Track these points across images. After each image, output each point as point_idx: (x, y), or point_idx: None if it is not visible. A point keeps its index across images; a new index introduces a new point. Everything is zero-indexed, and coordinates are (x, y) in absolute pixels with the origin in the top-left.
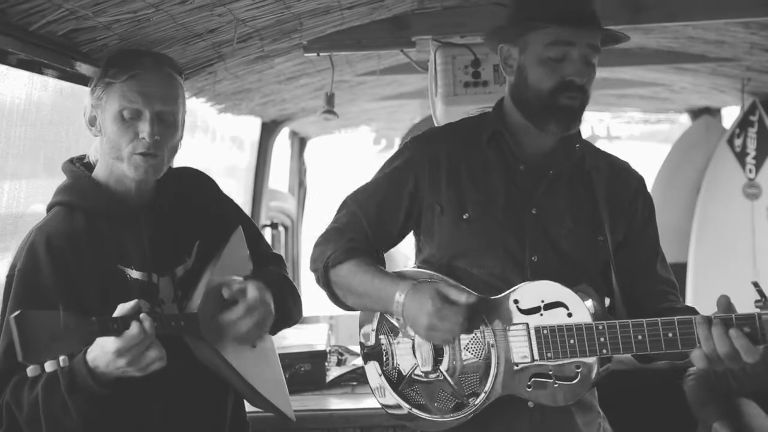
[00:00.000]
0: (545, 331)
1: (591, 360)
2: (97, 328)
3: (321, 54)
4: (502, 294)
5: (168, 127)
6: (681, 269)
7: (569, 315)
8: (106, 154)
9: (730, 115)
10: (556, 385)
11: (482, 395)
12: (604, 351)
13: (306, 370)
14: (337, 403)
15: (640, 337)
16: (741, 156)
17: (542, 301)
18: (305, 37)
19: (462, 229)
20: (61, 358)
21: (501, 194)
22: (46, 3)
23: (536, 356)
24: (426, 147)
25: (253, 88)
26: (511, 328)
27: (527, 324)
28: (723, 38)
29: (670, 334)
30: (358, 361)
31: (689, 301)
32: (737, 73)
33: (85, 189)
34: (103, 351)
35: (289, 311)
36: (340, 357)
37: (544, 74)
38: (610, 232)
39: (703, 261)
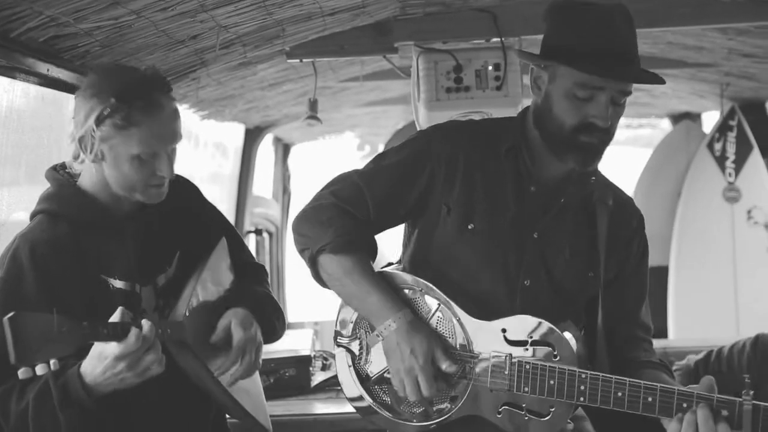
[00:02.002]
0: (527, 366)
1: (567, 403)
2: (89, 332)
3: (304, 60)
4: (493, 320)
5: (174, 155)
6: (662, 272)
7: (555, 356)
8: (110, 182)
9: (710, 120)
10: (526, 418)
11: (452, 410)
12: (582, 399)
13: (291, 375)
14: (322, 407)
15: (620, 394)
16: (721, 160)
17: (530, 337)
18: (288, 43)
19: (464, 238)
20: (52, 361)
21: (510, 211)
22: (27, 9)
23: (513, 387)
24: (446, 142)
25: (236, 94)
26: (493, 354)
27: (510, 355)
28: (701, 44)
29: (650, 399)
30: None
31: (670, 305)
32: (716, 79)
33: (69, 197)
34: (100, 358)
35: (273, 330)
36: (324, 362)
37: (568, 109)
38: (604, 269)
39: (684, 264)
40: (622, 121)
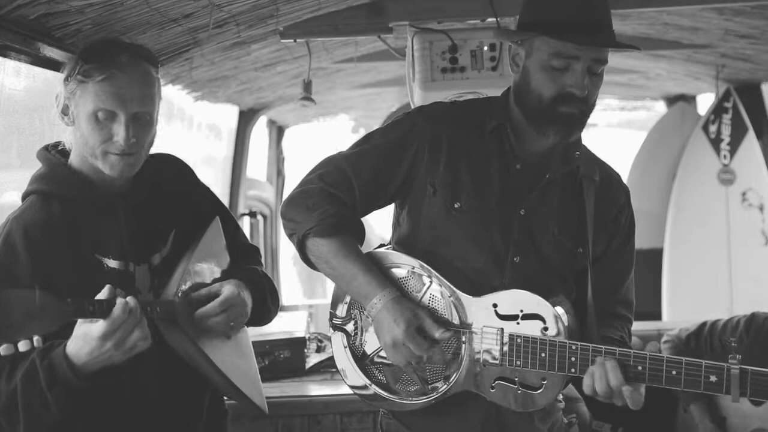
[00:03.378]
0: (519, 340)
1: (559, 376)
2: (72, 309)
3: (298, 40)
4: (484, 296)
5: (143, 126)
6: (657, 255)
7: (545, 329)
8: (79, 147)
9: (705, 102)
10: (519, 391)
11: (444, 386)
12: (573, 370)
13: (285, 357)
14: (317, 389)
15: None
16: (715, 142)
17: (521, 311)
18: (281, 22)
19: (451, 217)
20: (35, 338)
21: (495, 189)
22: None
23: (505, 361)
24: (431, 123)
25: (229, 75)
26: (485, 329)
27: (502, 329)
28: (697, 25)
29: (640, 368)
30: None
31: (665, 287)
32: (712, 60)
33: (61, 177)
34: (86, 338)
35: (267, 308)
36: (319, 344)
37: (545, 81)
38: (592, 245)
39: (678, 246)
40: (617, 103)
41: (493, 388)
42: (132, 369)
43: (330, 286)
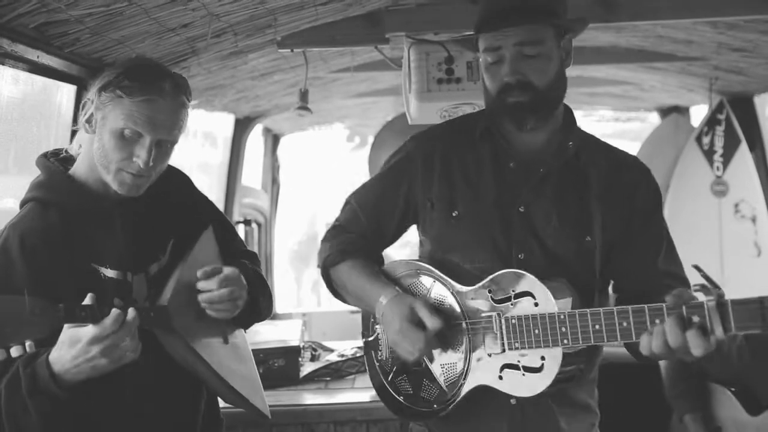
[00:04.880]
0: (513, 321)
1: (555, 351)
2: (64, 315)
3: (295, 50)
4: (478, 284)
5: (164, 153)
6: None
7: (536, 305)
8: (94, 155)
9: (699, 114)
10: (523, 375)
11: (460, 384)
12: (565, 341)
13: (280, 365)
14: (311, 398)
15: (597, 326)
16: (709, 154)
17: (512, 291)
18: (279, 32)
19: (451, 226)
20: (28, 343)
21: (491, 191)
22: None
23: (506, 346)
24: (421, 145)
25: (226, 84)
26: (483, 317)
27: (498, 314)
28: (691, 38)
29: (625, 324)
30: (332, 357)
31: None
32: (705, 73)
33: (59, 185)
34: (72, 342)
35: (258, 304)
36: (313, 353)
37: (489, 78)
38: (602, 231)
39: None
40: (611, 114)
41: (500, 377)
42: (128, 377)
43: (324, 294)
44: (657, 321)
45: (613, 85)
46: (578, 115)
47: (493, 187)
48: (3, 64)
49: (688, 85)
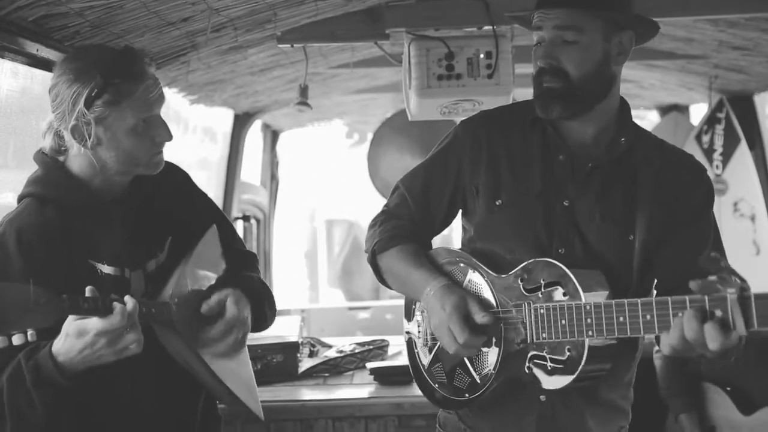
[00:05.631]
0: (542, 311)
1: (581, 342)
2: (68, 305)
3: (295, 45)
4: (511, 272)
5: None
6: None
7: (564, 294)
8: (110, 162)
9: (698, 112)
10: (550, 367)
11: (491, 374)
12: (590, 333)
13: (278, 361)
14: (309, 394)
15: (621, 318)
16: (708, 152)
17: (542, 281)
18: (279, 27)
19: (494, 214)
20: (30, 332)
21: (536, 182)
22: None
23: (534, 336)
24: (470, 129)
25: (226, 79)
26: (513, 306)
27: (527, 303)
28: (691, 35)
29: (648, 317)
30: (330, 353)
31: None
32: (705, 71)
33: (57, 181)
34: (79, 334)
35: (265, 317)
36: (312, 348)
37: (533, 60)
38: (648, 229)
39: None
40: None
41: (528, 368)
42: (128, 372)
43: (323, 290)
44: (680, 314)
45: None
46: None
47: (539, 178)
48: (2, 58)
49: (687, 83)
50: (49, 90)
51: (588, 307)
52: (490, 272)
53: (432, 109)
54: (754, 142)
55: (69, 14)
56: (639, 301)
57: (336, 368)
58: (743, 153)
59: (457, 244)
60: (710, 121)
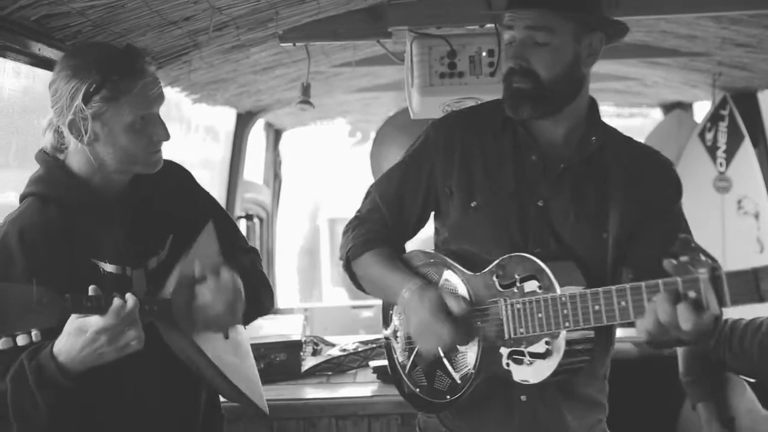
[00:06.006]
0: (518, 306)
1: (559, 335)
2: (70, 304)
3: (297, 44)
4: (486, 270)
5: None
6: None
7: (540, 288)
8: (108, 159)
9: (702, 110)
10: (528, 362)
11: (471, 373)
12: (567, 324)
13: (281, 359)
14: (313, 392)
15: (597, 307)
16: (712, 150)
17: (517, 276)
18: (281, 26)
19: (469, 216)
20: (34, 332)
21: (510, 183)
22: None
23: (511, 331)
24: (442, 130)
25: (228, 78)
26: (489, 303)
27: (503, 299)
28: (695, 33)
29: (623, 303)
30: (333, 351)
31: None
32: (708, 68)
33: (58, 180)
34: (79, 332)
35: (260, 300)
36: (315, 347)
37: (503, 59)
38: (620, 225)
39: None
40: (613, 110)
41: (508, 364)
42: (131, 371)
43: (326, 289)
44: (653, 298)
45: (616, 80)
46: None
47: (513, 179)
48: (4, 57)
49: (691, 80)
50: (48, 86)
51: (564, 299)
52: (465, 271)
53: (434, 107)
54: (758, 140)
55: (71, 14)
56: (613, 288)
57: (339, 367)
58: (747, 150)
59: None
60: (714, 118)
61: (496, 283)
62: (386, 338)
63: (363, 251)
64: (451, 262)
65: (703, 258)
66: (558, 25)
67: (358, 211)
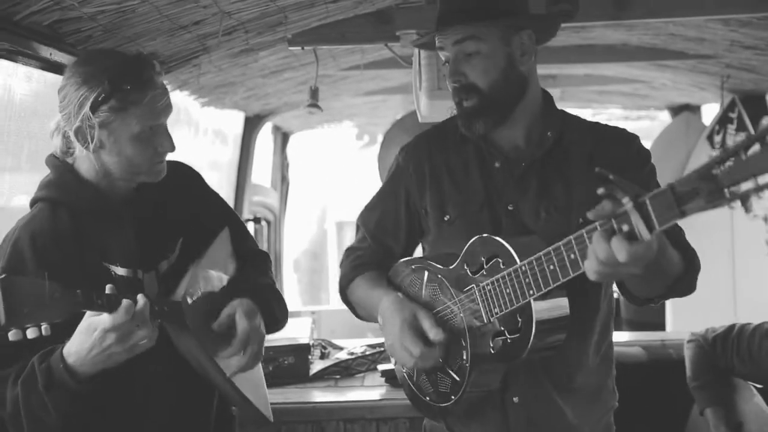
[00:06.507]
0: (488, 287)
1: (528, 306)
2: (82, 300)
3: (305, 48)
4: (456, 262)
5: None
6: None
7: (503, 265)
8: (112, 167)
9: (710, 112)
10: (509, 341)
11: (466, 367)
12: (531, 292)
13: (289, 363)
14: (321, 396)
15: (551, 267)
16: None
17: (482, 259)
18: (290, 30)
19: (444, 230)
20: (44, 326)
21: (479, 193)
22: None
23: (489, 314)
24: (410, 156)
25: (237, 81)
26: (464, 293)
27: (475, 284)
28: (703, 35)
29: (572, 255)
30: (342, 355)
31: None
32: (717, 71)
33: (69, 185)
34: (88, 331)
35: (276, 321)
36: (323, 350)
37: (447, 79)
38: (588, 202)
39: None
40: (621, 112)
41: (493, 348)
42: (142, 372)
43: (332, 292)
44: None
45: (624, 83)
46: (588, 113)
47: (481, 188)
48: (16, 62)
49: (699, 83)
50: (58, 91)
51: (524, 268)
52: (440, 267)
53: (442, 110)
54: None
55: (82, 19)
56: (560, 243)
57: (347, 370)
58: None
59: None
60: (722, 120)
61: (468, 271)
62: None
63: (353, 277)
64: (428, 262)
65: (624, 188)
66: (483, 32)
67: (352, 243)
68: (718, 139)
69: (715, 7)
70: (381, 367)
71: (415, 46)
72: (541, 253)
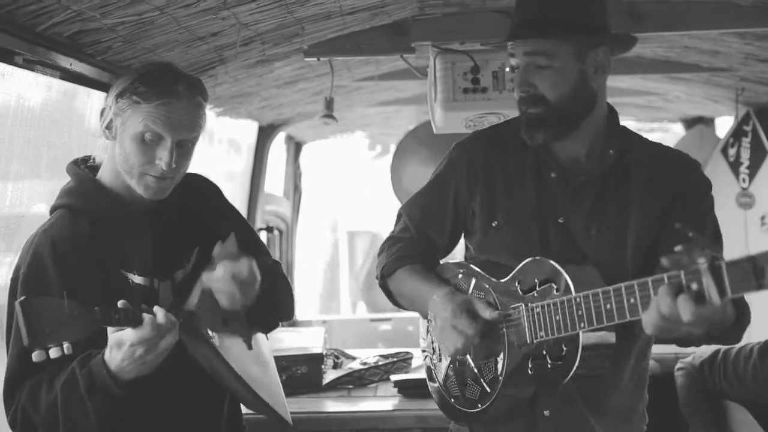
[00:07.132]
0: (537, 310)
1: (575, 337)
2: (101, 317)
3: (321, 59)
4: (508, 277)
5: (185, 153)
6: None
7: (557, 291)
8: (116, 161)
9: (724, 125)
10: (549, 366)
11: (500, 380)
12: (582, 325)
13: (302, 372)
14: (334, 405)
15: (608, 306)
16: (735, 166)
17: (536, 280)
18: (306, 41)
19: (491, 236)
20: (65, 345)
21: (531, 202)
22: (54, 4)
23: (533, 336)
24: (465, 151)
25: (252, 92)
26: (511, 310)
27: (524, 304)
28: (718, 48)
29: (632, 300)
30: (354, 365)
31: None
32: (731, 83)
33: (89, 193)
34: (118, 346)
35: (279, 302)
36: (336, 360)
37: (515, 86)
38: (642, 227)
39: None
40: (634, 124)
41: (531, 369)
42: (157, 382)
43: (344, 302)
44: (658, 292)
45: (637, 95)
46: None
47: (534, 198)
48: (36, 72)
49: (713, 96)
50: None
51: (578, 300)
52: (491, 278)
53: (457, 122)
54: None
55: (102, 30)
56: (622, 285)
57: (360, 380)
58: None
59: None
60: (736, 134)
61: (518, 289)
62: (423, 350)
63: (396, 268)
64: (479, 271)
65: (701, 247)
66: (557, 48)
67: (392, 232)
68: (732, 152)
69: (730, 21)
70: (394, 377)
71: (482, 44)
72: (599, 290)
